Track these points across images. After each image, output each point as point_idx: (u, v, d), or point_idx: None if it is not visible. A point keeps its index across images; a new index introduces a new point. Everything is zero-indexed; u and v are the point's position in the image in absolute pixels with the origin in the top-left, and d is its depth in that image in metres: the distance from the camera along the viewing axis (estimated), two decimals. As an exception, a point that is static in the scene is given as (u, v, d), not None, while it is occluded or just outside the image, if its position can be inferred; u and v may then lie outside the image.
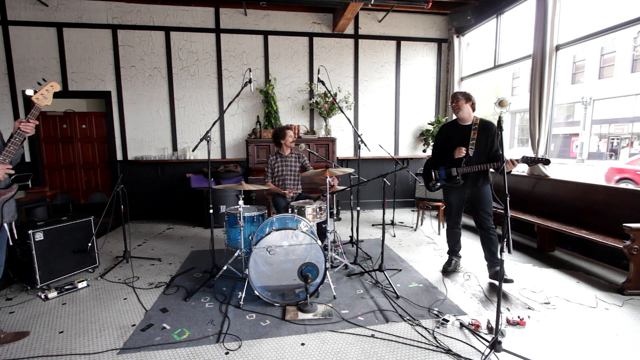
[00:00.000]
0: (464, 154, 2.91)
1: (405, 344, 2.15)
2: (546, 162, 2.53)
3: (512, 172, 2.78)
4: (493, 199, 2.98)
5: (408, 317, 2.46)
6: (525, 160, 2.58)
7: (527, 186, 4.35)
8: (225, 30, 5.66)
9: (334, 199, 4.29)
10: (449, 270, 3.35)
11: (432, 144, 6.21)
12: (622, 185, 3.41)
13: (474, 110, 3.01)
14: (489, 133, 2.92)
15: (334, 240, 3.71)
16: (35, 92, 1.93)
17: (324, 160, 4.52)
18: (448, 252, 3.42)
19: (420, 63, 6.34)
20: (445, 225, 3.45)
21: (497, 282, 2.87)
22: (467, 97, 2.97)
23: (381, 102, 6.30)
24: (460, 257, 3.42)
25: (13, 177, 2.01)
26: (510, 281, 2.96)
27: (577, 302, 2.69)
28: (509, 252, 1.90)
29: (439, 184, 3.17)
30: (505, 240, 1.88)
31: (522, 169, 4.64)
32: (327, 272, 2.72)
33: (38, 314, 2.58)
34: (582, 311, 2.55)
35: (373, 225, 5.26)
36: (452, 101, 3.02)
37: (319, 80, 3.73)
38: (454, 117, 3.12)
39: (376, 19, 6.04)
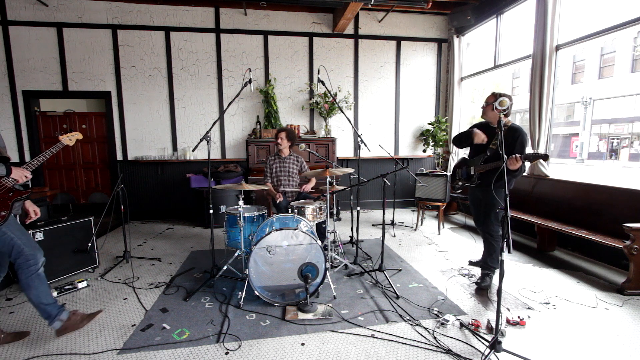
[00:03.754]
0: (482, 140, 2.81)
1: (405, 344, 2.15)
2: (545, 157, 2.49)
3: (518, 172, 2.64)
4: (494, 200, 2.89)
5: (408, 317, 2.46)
6: (525, 157, 2.53)
7: (527, 186, 4.35)
8: (225, 30, 5.66)
9: (334, 199, 4.29)
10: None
11: (432, 144, 6.21)
12: (623, 186, 3.39)
13: (505, 115, 2.72)
14: (512, 138, 2.73)
15: (334, 240, 3.71)
16: (63, 133, 2.33)
17: (324, 160, 4.52)
18: None
19: (420, 63, 6.34)
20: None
21: (482, 288, 2.93)
22: (489, 103, 2.83)
23: (381, 102, 6.30)
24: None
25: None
26: (487, 287, 2.93)
27: (577, 302, 2.69)
28: (509, 252, 1.90)
29: (460, 183, 3.13)
30: (506, 240, 1.88)
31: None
32: (327, 272, 2.72)
33: (38, 314, 2.56)
34: (582, 311, 2.56)
35: (373, 225, 5.26)
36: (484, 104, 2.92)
37: (319, 80, 3.73)
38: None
39: (376, 19, 6.04)
